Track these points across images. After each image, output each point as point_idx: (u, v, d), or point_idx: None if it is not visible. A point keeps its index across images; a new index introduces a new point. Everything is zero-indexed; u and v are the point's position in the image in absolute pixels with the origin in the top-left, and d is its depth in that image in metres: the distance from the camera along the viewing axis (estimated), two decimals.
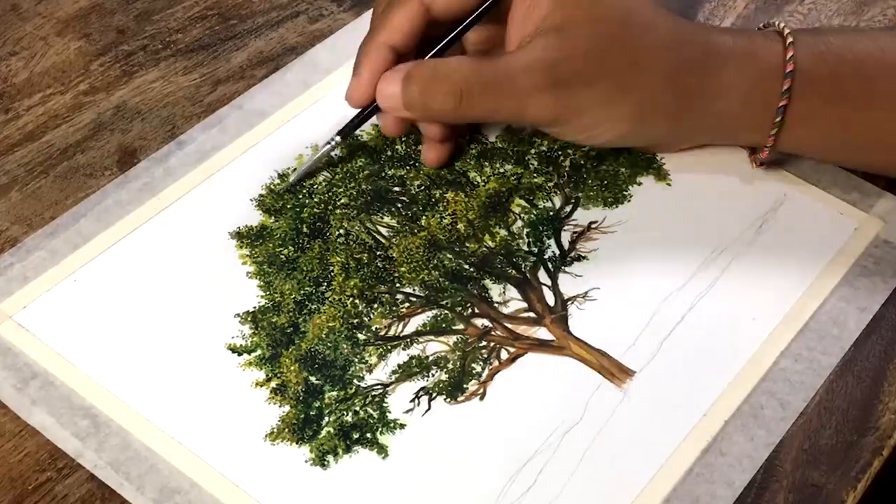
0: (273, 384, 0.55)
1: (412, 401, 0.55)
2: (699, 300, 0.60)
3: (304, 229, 0.62)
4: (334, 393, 0.55)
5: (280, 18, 0.74)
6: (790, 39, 0.61)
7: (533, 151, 0.67)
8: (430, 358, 0.57)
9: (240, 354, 0.57)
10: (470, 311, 0.59)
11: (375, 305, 0.59)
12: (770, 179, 0.66)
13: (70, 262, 0.60)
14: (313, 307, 0.58)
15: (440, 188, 0.64)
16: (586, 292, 0.60)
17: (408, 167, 0.65)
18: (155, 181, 0.64)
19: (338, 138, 0.63)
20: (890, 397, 0.57)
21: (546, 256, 0.62)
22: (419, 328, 0.58)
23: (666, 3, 0.63)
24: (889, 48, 0.62)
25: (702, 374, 0.57)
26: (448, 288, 0.60)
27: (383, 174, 0.65)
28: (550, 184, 0.65)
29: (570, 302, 0.59)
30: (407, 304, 0.59)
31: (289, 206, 0.63)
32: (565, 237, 0.63)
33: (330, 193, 0.64)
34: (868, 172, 0.65)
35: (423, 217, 0.63)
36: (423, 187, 0.64)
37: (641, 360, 0.57)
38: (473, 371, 0.57)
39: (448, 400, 0.55)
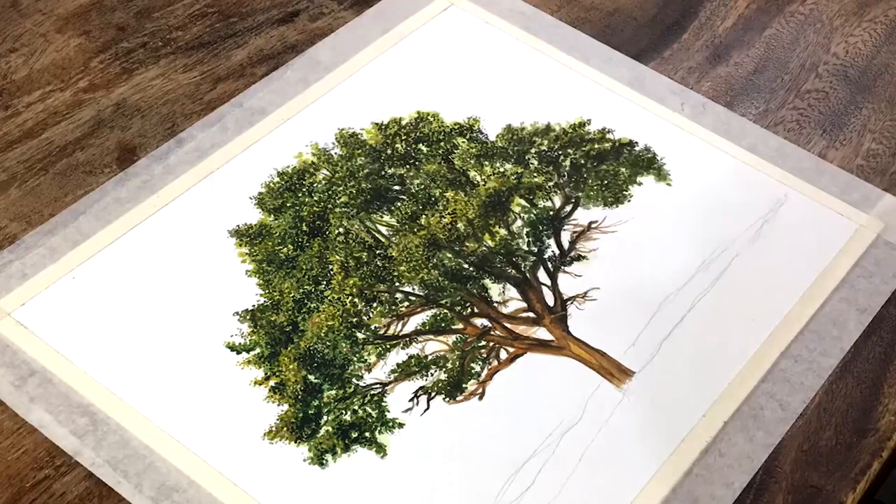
0: (272, 383, 0.55)
1: (411, 400, 0.55)
2: (699, 300, 0.60)
3: (304, 228, 0.62)
4: (333, 392, 0.55)
5: (280, 17, 0.74)
6: None
7: (533, 151, 0.67)
8: (429, 357, 0.57)
9: (238, 353, 0.56)
10: (469, 310, 0.59)
11: (375, 304, 0.59)
12: (771, 180, 0.66)
13: (69, 260, 0.60)
14: (312, 306, 0.58)
15: (440, 187, 0.64)
16: (586, 292, 0.60)
17: (408, 166, 0.65)
18: (154, 179, 0.64)
19: None
20: (889, 399, 0.57)
21: (546, 256, 0.62)
22: (418, 327, 0.58)
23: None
24: None
25: (701, 375, 0.57)
26: (447, 287, 0.60)
27: (383, 173, 0.65)
28: (550, 183, 0.65)
29: (569, 302, 0.59)
30: (406, 304, 0.59)
31: (288, 205, 0.63)
32: (565, 237, 0.62)
33: (330, 192, 0.64)
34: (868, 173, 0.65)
35: (423, 216, 0.63)
36: (422, 186, 0.64)
37: (641, 361, 0.57)
38: (472, 371, 0.56)
39: (447, 399, 0.55)
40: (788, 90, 0.72)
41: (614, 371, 0.57)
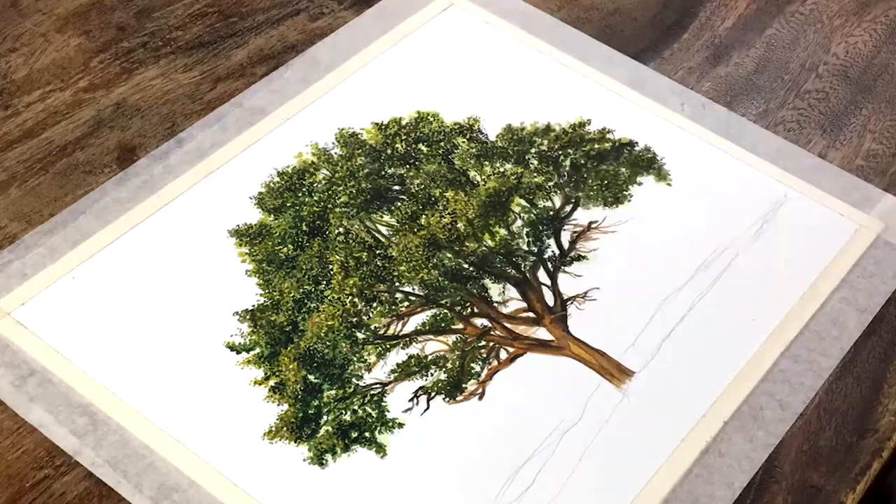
0: (272, 382, 0.55)
1: (411, 400, 0.55)
2: (699, 300, 0.60)
3: (304, 228, 0.62)
4: (333, 392, 0.55)
5: (281, 16, 0.74)
6: None
7: (533, 151, 0.67)
8: (429, 357, 0.57)
9: (238, 352, 0.56)
10: (469, 310, 0.59)
11: (375, 304, 0.59)
12: (771, 180, 0.66)
13: (69, 260, 0.60)
14: (312, 306, 0.58)
15: (440, 187, 0.64)
16: (586, 292, 0.60)
17: (408, 166, 0.65)
18: (154, 179, 0.64)
19: None
20: (889, 399, 0.57)
21: (546, 256, 0.61)
22: (418, 327, 0.58)
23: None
24: None
25: (701, 375, 0.57)
26: (447, 287, 0.60)
27: (383, 173, 0.65)
28: (550, 183, 0.65)
29: (569, 302, 0.59)
30: (406, 303, 0.59)
31: (288, 205, 0.63)
32: (565, 237, 0.62)
33: (330, 192, 0.64)
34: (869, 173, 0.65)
35: (423, 216, 0.63)
36: (422, 186, 0.64)
37: (641, 361, 0.57)
38: (472, 371, 0.56)
39: (447, 399, 0.55)
40: (788, 90, 0.72)
41: (614, 371, 0.57)
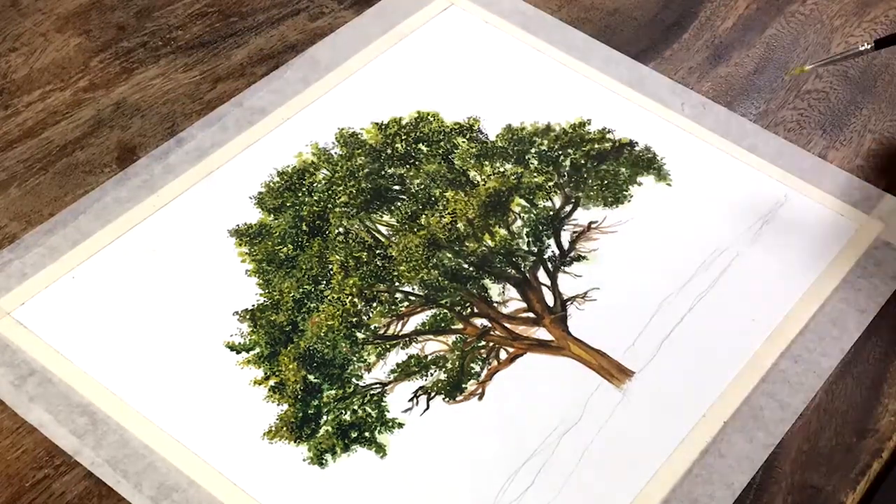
0: (271, 382, 0.55)
1: (411, 400, 0.55)
2: (699, 301, 0.60)
3: (304, 227, 0.62)
4: (333, 392, 0.55)
5: (281, 16, 0.74)
6: None
7: (533, 151, 0.67)
8: (429, 357, 0.57)
9: (238, 352, 0.56)
10: (469, 310, 0.59)
11: (374, 304, 0.59)
12: (770, 180, 0.66)
13: (69, 259, 0.60)
14: (312, 305, 0.58)
15: (440, 187, 0.64)
16: (586, 292, 0.60)
17: (408, 166, 0.65)
18: (154, 178, 0.64)
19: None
20: (889, 399, 0.57)
21: (546, 256, 0.61)
22: (418, 327, 0.58)
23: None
24: None
25: (701, 375, 0.57)
26: (447, 287, 0.60)
27: (383, 173, 0.65)
28: (550, 183, 0.65)
29: (569, 302, 0.59)
30: (406, 303, 0.59)
31: (288, 205, 0.63)
32: (565, 237, 0.62)
33: (330, 192, 0.64)
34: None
35: (423, 216, 0.63)
36: (422, 186, 0.64)
37: (641, 361, 0.57)
38: (472, 371, 0.56)
39: (447, 399, 0.55)
40: (788, 90, 0.72)
41: (614, 371, 0.57)
